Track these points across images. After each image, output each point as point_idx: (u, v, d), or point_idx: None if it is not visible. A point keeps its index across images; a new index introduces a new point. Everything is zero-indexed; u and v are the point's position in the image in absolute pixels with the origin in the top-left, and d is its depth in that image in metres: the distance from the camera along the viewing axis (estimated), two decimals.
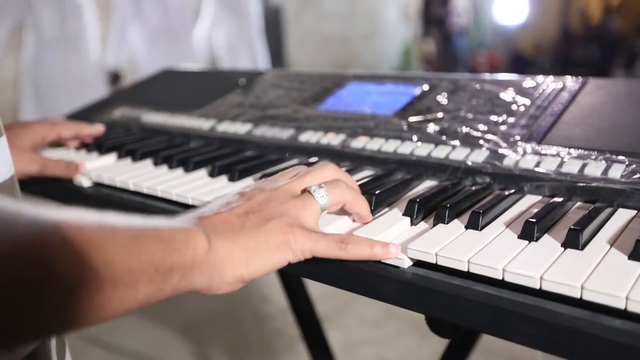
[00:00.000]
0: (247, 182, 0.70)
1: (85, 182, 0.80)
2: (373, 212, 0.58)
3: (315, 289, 1.38)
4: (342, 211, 0.56)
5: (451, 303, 0.46)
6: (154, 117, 1.03)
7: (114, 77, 3.90)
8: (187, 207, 0.67)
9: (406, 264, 0.49)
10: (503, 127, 0.70)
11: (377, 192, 0.59)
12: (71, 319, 0.34)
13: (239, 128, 0.89)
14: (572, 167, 0.59)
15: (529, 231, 0.49)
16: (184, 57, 4.15)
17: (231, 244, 0.46)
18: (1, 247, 0.29)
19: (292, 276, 1.31)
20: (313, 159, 0.76)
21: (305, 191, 0.53)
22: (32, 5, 3.49)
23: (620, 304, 0.39)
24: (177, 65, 3.76)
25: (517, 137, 0.67)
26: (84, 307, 0.34)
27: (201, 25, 4.41)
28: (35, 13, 3.51)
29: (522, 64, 8.33)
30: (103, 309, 0.35)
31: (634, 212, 0.53)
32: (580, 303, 0.41)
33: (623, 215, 0.53)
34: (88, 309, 0.34)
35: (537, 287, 0.42)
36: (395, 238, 0.53)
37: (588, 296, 0.40)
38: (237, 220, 0.48)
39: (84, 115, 1.14)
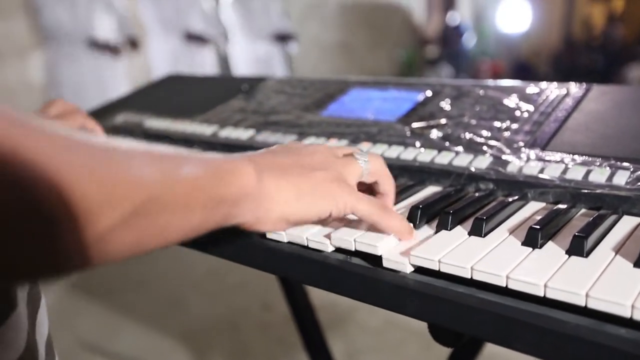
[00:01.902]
0: None
1: None
2: None
3: (317, 297, 1.38)
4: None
5: (453, 311, 0.45)
6: (156, 123, 1.03)
7: (133, 44, 3.96)
8: None
9: (408, 270, 0.49)
10: (506, 133, 0.69)
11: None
12: (135, 242, 0.35)
13: (242, 134, 0.89)
14: (576, 174, 0.58)
15: (533, 238, 0.48)
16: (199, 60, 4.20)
17: (279, 182, 0.48)
18: (74, 171, 0.30)
19: (294, 284, 1.30)
20: None
21: (348, 155, 0.56)
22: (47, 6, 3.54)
23: (625, 313, 0.38)
24: (183, 71, 3.79)
25: (521, 144, 0.66)
26: (145, 229, 0.35)
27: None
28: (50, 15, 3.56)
29: (525, 72, 8.34)
30: (163, 233, 0.37)
31: (639, 219, 0.53)
32: (584, 311, 0.40)
33: (628, 222, 0.52)
34: (149, 232, 0.36)
35: (541, 294, 0.42)
36: (398, 244, 0.52)
37: (593, 304, 0.39)
38: (286, 162, 0.50)
39: None
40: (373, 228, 0.53)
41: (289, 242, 0.55)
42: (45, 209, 0.28)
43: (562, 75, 7.99)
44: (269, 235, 0.57)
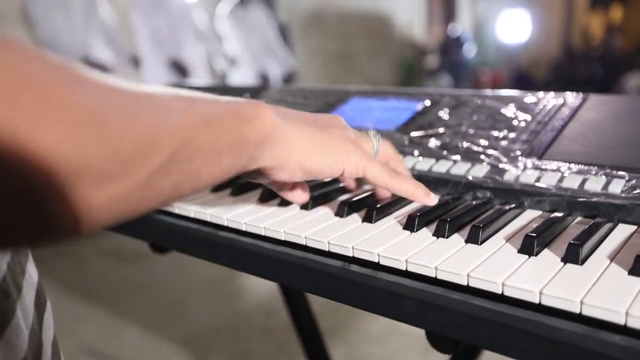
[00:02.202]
0: (249, 196, 0.70)
1: None
2: (374, 220, 0.58)
3: (318, 303, 1.38)
4: None
5: (450, 318, 0.45)
6: None
7: (134, 62, 3.98)
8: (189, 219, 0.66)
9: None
10: (504, 142, 0.69)
11: (379, 205, 0.59)
12: (174, 187, 0.36)
13: None
14: (572, 182, 0.58)
15: (529, 246, 0.48)
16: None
17: (298, 130, 0.49)
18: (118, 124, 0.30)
19: (295, 291, 1.30)
20: None
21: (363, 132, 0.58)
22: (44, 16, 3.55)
23: (620, 320, 0.38)
24: (187, 80, 3.80)
25: (518, 152, 0.66)
26: (182, 175, 0.36)
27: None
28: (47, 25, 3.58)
29: (525, 81, 8.35)
30: (198, 177, 0.38)
31: (634, 227, 0.53)
32: (579, 318, 0.40)
33: (623, 231, 0.52)
34: (186, 177, 0.36)
35: (537, 301, 0.42)
36: (398, 249, 0.52)
37: (587, 311, 0.39)
38: (306, 117, 0.52)
39: None
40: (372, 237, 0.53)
41: (287, 243, 0.56)
42: (92, 158, 0.28)
43: (561, 84, 8.00)
44: (264, 233, 0.58)
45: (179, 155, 0.35)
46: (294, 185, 0.57)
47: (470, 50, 8.36)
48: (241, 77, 4.54)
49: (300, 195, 0.58)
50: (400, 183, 0.53)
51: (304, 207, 0.63)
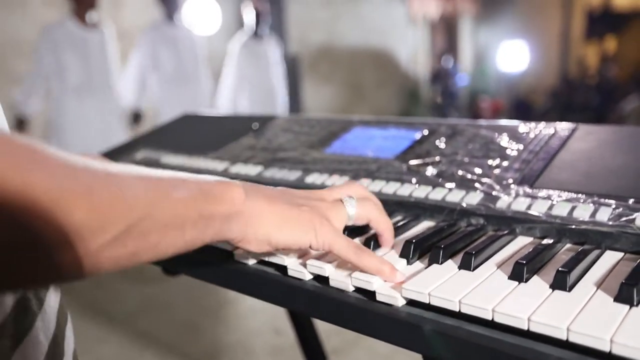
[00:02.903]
0: None
1: None
2: (374, 248, 0.58)
3: (325, 323, 1.36)
4: None
5: (443, 342, 0.44)
6: (172, 159, 1.04)
7: (135, 117, 3.96)
8: None
9: (400, 302, 0.48)
10: (497, 171, 0.69)
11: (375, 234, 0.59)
12: (131, 256, 0.36)
13: (251, 170, 0.89)
14: (561, 210, 0.58)
15: (519, 272, 0.48)
16: (198, 101, 4.20)
17: (267, 206, 0.49)
18: (59, 195, 0.31)
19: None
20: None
21: (336, 200, 0.57)
22: (60, 57, 3.52)
23: (605, 347, 0.37)
24: (197, 110, 3.82)
25: (510, 181, 0.66)
26: (140, 246, 0.37)
27: (226, 74, 4.48)
28: (62, 64, 3.54)
29: (524, 109, 8.34)
30: (157, 248, 0.39)
31: (621, 254, 0.52)
32: (567, 345, 0.39)
33: (610, 257, 0.51)
34: (144, 247, 0.37)
35: (525, 328, 0.41)
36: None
37: (574, 338, 0.39)
38: (274, 193, 0.52)
39: (110, 156, 1.15)
40: None
41: (291, 276, 0.56)
42: (44, 235, 0.30)
43: (559, 111, 7.98)
44: (269, 259, 0.57)
45: (136, 229, 0.36)
46: None
47: (462, 80, 8.35)
48: (248, 106, 4.55)
49: None
50: (365, 260, 0.50)
51: None
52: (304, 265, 0.55)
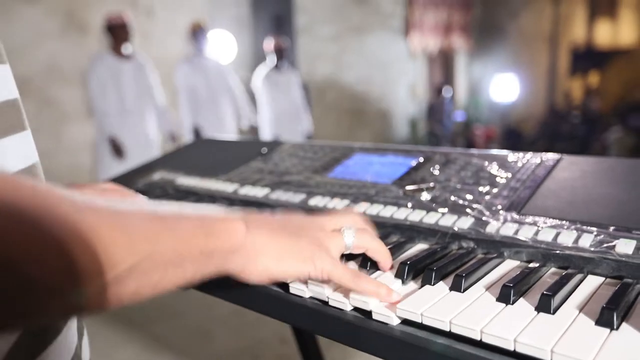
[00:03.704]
0: None
1: None
2: (370, 270, 0.57)
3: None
4: None
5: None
6: (186, 180, 1.03)
7: (172, 138, 4.10)
8: None
9: (395, 321, 0.48)
10: (487, 197, 0.68)
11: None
12: (132, 294, 0.35)
13: (258, 192, 0.89)
14: (547, 236, 0.57)
15: (506, 295, 0.47)
16: (226, 126, 4.29)
17: (267, 239, 0.48)
18: (59, 237, 0.29)
19: None
20: None
21: (335, 230, 0.55)
22: (101, 85, 3.66)
23: None
24: (216, 135, 3.86)
25: (499, 207, 0.65)
26: (141, 284, 0.35)
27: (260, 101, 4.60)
28: (102, 91, 3.67)
29: (515, 137, 8.33)
30: (157, 285, 0.37)
31: (602, 279, 0.51)
32: None
33: (592, 282, 0.50)
34: (145, 285, 0.36)
35: (512, 348, 0.40)
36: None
37: (557, 359, 0.38)
38: (276, 225, 0.50)
39: (130, 176, 1.15)
40: None
41: (294, 294, 0.55)
42: (49, 276, 0.29)
43: (547, 139, 7.96)
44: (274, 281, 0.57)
45: (137, 269, 0.34)
46: None
47: (458, 116, 8.33)
48: (269, 130, 4.62)
49: None
50: (362, 286, 0.50)
51: None
52: (306, 284, 0.54)
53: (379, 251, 0.56)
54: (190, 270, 0.40)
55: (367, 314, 0.50)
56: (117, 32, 3.74)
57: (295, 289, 0.55)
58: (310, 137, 4.83)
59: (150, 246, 0.35)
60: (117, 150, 3.72)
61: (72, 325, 0.43)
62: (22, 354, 0.36)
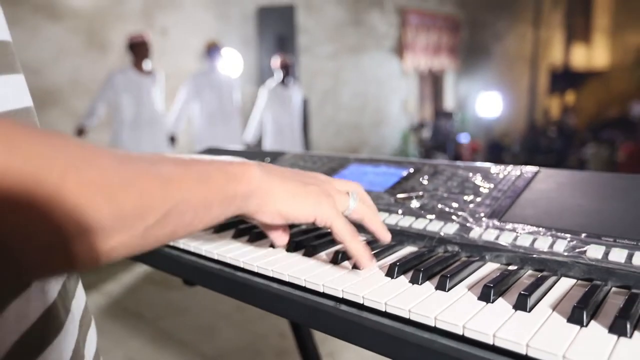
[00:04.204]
0: (263, 242, 0.70)
1: None
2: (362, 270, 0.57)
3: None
4: None
5: (419, 353, 0.44)
6: None
7: (171, 139, 4.18)
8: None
9: (382, 307, 0.48)
10: (471, 205, 0.69)
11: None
12: (170, 235, 0.37)
13: None
14: (525, 241, 0.57)
15: (487, 294, 0.47)
16: (232, 136, 4.31)
17: (279, 183, 0.49)
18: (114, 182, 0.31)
19: None
20: None
21: (342, 191, 0.57)
22: (118, 97, 3.75)
23: None
24: (222, 144, 3.87)
25: (482, 214, 0.66)
26: (177, 226, 0.37)
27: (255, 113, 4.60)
28: (119, 102, 3.75)
29: (498, 149, 8.35)
30: (190, 225, 0.39)
31: (574, 281, 0.52)
32: (526, 359, 0.39)
33: (565, 283, 0.51)
34: (180, 226, 0.37)
35: (491, 343, 0.41)
36: (381, 293, 0.51)
37: (532, 353, 0.39)
38: (289, 173, 0.52)
39: None
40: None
41: (289, 284, 0.56)
42: (102, 217, 0.30)
43: (527, 152, 7.99)
44: (273, 275, 0.57)
45: (174, 212, 0.36)
46: (276, 227, 0.57)
47: (460, 138, 8.33)
48: (272, 140, 4.63)
49: (280, 236, 0.58)
50: (354, 244, 0.52)
51: (307, 255, 0.63)
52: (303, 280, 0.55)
53: (375, 221, 0.58)
54: (216, 212, 0.42)
55: (360, 307, 0.50)
56: (139, 50, 3.83)
57: (291, 277, 0.55)
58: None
59: (182, 192, 0.37)
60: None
61: (74, 318, 0.43)
62: (26, 350, 0.35)
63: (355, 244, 0.52)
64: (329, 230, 0.54)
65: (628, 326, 0.39)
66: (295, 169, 0.55)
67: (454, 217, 0.67)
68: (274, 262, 0.61)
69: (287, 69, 4.62)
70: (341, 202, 0.55)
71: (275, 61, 4.68)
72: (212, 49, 4.29)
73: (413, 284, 0.53)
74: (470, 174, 0.79)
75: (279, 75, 4.64)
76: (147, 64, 3.90)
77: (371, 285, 0.52)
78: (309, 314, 0.53)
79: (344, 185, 0.58)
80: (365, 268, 0.52)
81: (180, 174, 0.38)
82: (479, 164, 0.84)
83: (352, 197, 0.56)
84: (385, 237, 0.59)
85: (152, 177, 0.35)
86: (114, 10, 4.78)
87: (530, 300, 0.45)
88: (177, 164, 0.39)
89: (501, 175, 0.76)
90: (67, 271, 0.30)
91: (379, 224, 0.59)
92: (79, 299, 0.46)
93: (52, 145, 0.29)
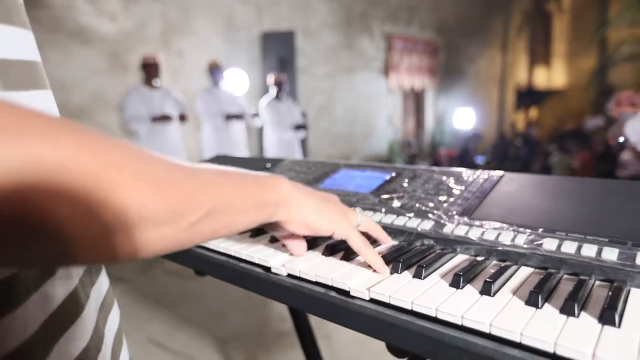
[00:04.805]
0: (262, 238, 0.70)
1: None
2: (349, 259, 0.57)
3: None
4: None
5: (399, 333, 0.44)
6: None
7: (181, 117, 4.12)
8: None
9: (367, 297, 0.48)
10: (445, 205, 0.69)
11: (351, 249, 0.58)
12: (211, 233, 0.37)
13: None
14: (490, 235, 0.58)
15: (457, 281, 0.48)
16: (236, 145, 4.29)
17: (305, 197, 0.50)
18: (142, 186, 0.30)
19: None
20: None
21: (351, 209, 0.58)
22: (134, 109, 3.77)
23: (517, 338, 0.37)
24: (229, 152, 3.87)
25: (454, 212, 0.66)
26: (216, 225, 0.37)
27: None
28: (135, 113, 3.78)
29: (471, 157, 8.36)
30: (229, 226, 0.39)
31: (532, 269, 0.52)
32: (489, 336, 0.39)
33: (524, 272, 0.51)
34: (219, 226, 0.37)
35: (460, 323, 0.41)
36: (365, 281, 0.52)
37: (495, 332, 0.39)
38: (309, 190, 0.52)
39: None
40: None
41: (288, 275, 0.56)
42: (153, 210, 0.30)
43: (497, 160, 8.01)
44: (273, 270, 0.57)
45: (215, 212, 0.36)
46: (296, 237, 0.57)
47: (478, 159, 8.31)
48: (269, 148, 4.62)
49: (297, 245, 0.58)
50: (368, 254, 0.52)
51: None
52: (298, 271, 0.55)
53: (378, 230, 0.60)
54: (252, 216, 0.42)
55: (346, 294, 0.50)
56: (150, 70, 3.86)
57: (287, 268, 0.55)
58: (302, 126, 4.75)
59: (222, 196, 0.37)
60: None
61: (93, 302, 0.42)
62: (54, 328, 0.35)
63: (370, 254, 0.52)
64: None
65: (576, 307, 0.40)
66: (311, 189, 0.55)
67: (430, 215, 0.67)
68: (273, 254, 0.61)
69: (280, 85, 4.59)
70: (353, 218, 0.55)
71: (270, 79, 4.68)
72: (213, 68, 4.26)
73: (393, 273, 0.53)
74: (445, 178, 0.79)
75: (273, 91, 4.63)
76: (156, 82, 3.90)
77: (357, 275, 0.52)
78: (305, 301, 0.53)
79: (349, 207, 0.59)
80: (380, 274, 0.52)
81: (221, 181, 0.38)
82: (452, 168, 0.84)
83: (360, 214, 0.57)
84: (387, 241, 0.62)
85: (197, 180, 0.35)
86: (137, 35, 4.78)
87: (494, 287, 0.45)
88: (218, 172, 0.38)
89: (471, 179, 0.76)
90: (113, 259, 0.30)
91: (381, 231, 0.61)
92: (102, 284, 0.45)
93: (113, 145, 0.29)
